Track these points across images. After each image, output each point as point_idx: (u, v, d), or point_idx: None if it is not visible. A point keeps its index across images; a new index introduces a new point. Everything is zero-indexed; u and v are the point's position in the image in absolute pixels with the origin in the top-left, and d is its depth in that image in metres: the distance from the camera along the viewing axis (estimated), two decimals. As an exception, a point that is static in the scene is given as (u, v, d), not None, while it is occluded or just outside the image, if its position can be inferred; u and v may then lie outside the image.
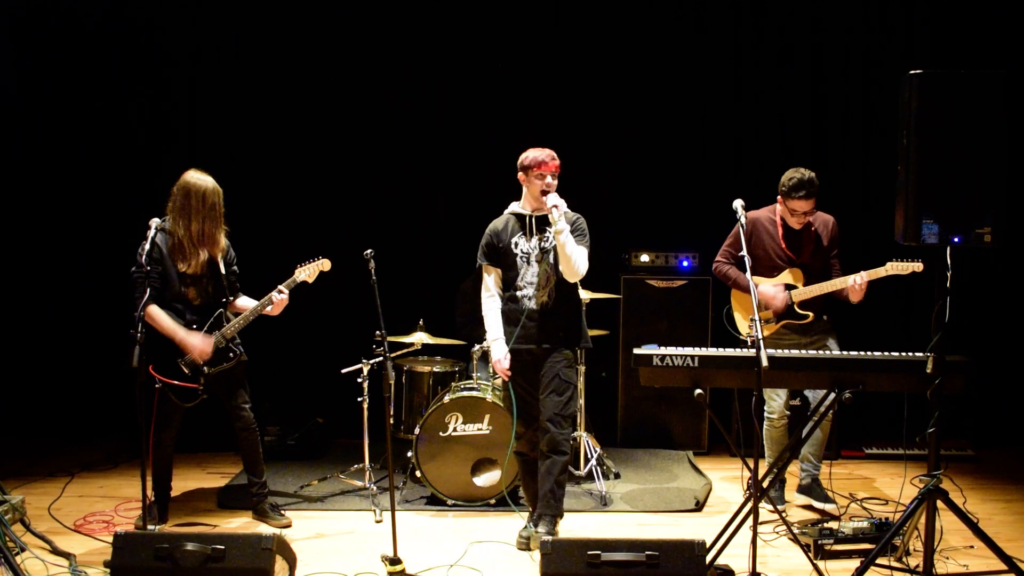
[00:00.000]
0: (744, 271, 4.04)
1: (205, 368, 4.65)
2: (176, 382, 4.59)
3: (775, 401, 5.10)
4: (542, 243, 4.45)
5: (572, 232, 4.37)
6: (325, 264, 4.86)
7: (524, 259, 4.48)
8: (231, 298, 4.84)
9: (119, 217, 6.46)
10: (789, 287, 4.95)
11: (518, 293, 4.47)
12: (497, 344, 4.48)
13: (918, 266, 4.60)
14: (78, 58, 6.51)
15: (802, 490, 5.11)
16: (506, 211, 4.61)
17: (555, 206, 4.29)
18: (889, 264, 4.66)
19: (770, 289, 4.96)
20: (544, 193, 4.36)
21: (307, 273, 4.81)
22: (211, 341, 4.64)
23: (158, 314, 4.55)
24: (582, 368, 5.35)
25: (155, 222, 4.39)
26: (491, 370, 5.35)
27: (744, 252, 4.04)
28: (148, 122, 6.59)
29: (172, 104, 6.58)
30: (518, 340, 4.43)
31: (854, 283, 4.70)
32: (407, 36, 6.64)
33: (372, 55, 6.65)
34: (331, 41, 6.64)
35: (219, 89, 6.58)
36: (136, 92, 6.55)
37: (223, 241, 4.77)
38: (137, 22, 6.50)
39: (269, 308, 4.72)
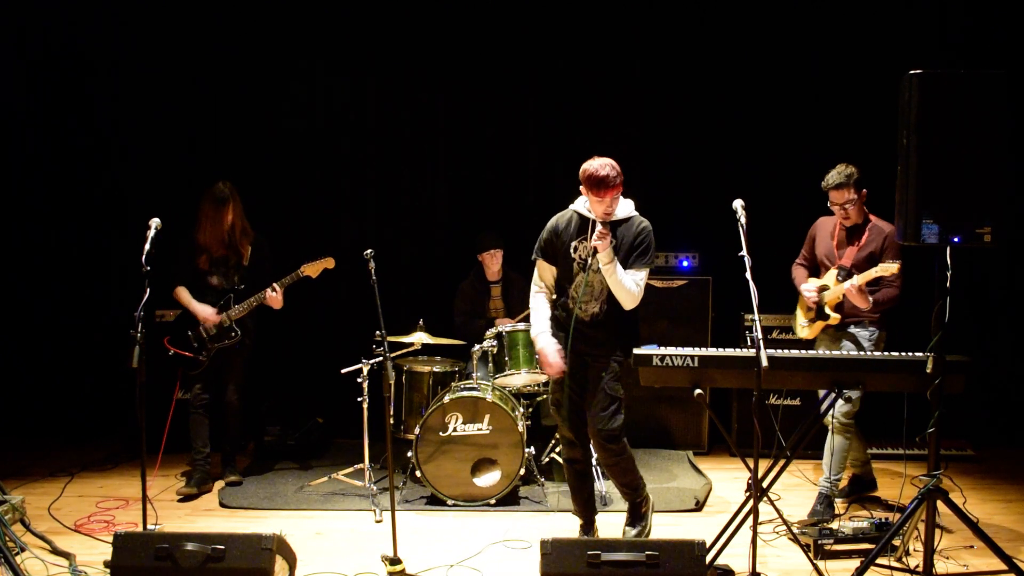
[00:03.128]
0: (745, 271, 4.02)
1: (209, 343, 5.33)
2: (184, 352, 5.31)
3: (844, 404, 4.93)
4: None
5: (634, 249, 4.18)
6: (330, 262, 5.29)
7: (579, 266, 4.25)
8: (245, 286, 5.38)
9: (119, 217, 6.47)
10: (823, 288, 4.97)
11: (570, 302, 4.27)
12: (543, 336, 4.29)
13: (895, 267, 4.59)
14: (85, 57, 6.52)
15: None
16: (572, 206, 4.35)
17: (596, 248, 4.09)
18: (879, 266, 4.65)
19: (808, 287, 5.02)
20: (606, 215, 4.14)
21: (311, 269, 5.29)
22: (217, 316, 5.32)
23: (182, 292, 5.37)
24: None
25: (155, 222, 4.40)
26: (491, 369, 5.36)
27: (744, 252, 4.04)
28: (149, 121, 6.59)
29: (173, 104, 6.59)
30: (573, 350, 4.24)
31: (850, 288, 4.70)
32: (406, 35, 6.64)
33: (372, 54, 6.65)
34: (330, 40, 6.64)
35: (219, 89, 6.57)
36: (139, 92, 6.56)
37: (234, 240, 5.33)
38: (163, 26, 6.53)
39: (265, 300, 5.31)
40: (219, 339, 5.37)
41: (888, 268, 4.59)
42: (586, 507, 4.51)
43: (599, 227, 4.12)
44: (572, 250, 4.27)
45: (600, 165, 4.11)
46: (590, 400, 4.30)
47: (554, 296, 4.40)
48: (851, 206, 4.84)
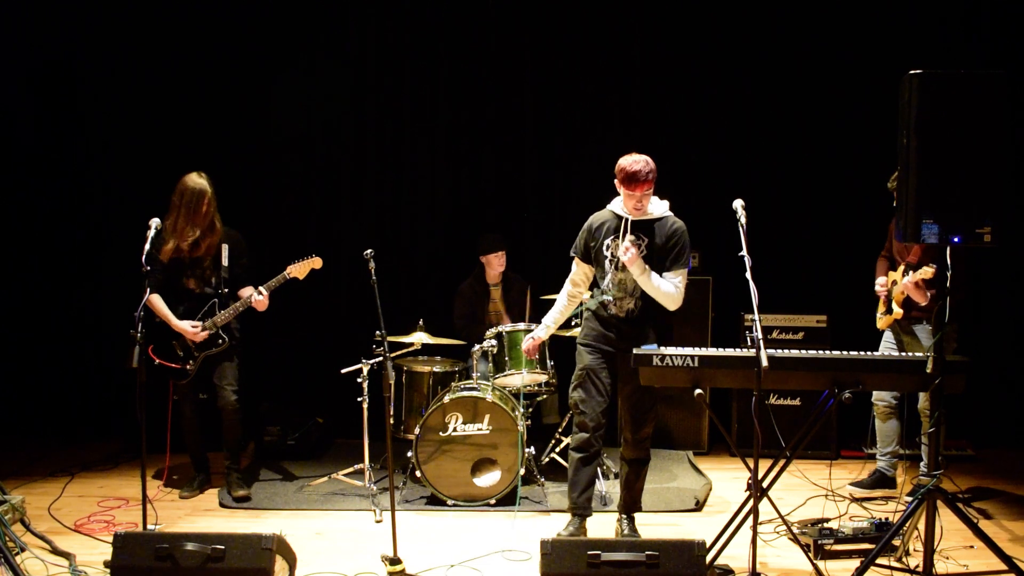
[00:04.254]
0: (745, 271, 4.02)
1: (196, 352, 5.13)
2: (169, 364, 5.11)
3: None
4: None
5: (669, 252, 4.27)
6: (316, 262, 5.16)
7: (612, 263, 4.32)
8: (228, 289, 5.18)
9: (119, 217, 6.47)
10: (894, 283, 5.10)
11: (604, 298, 4.36)
12: (542, 327, 4.63)
13: (930, 271, 4.65)
14: (82, 55, 6.53)
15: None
16: (608, 206, 4.43)
17: (628, 260, 4.18)
18: (923, 268, 4.72)
19: (881, 281, 5.17)
20: (636, 211, 4.25)
21: (297, 270, 5.14)
22: (199, 326, 5.08)
23: (156, 302, 5.05)
24: None
25: (155, 222, 4.41)
26: (490, 368, 5.35)
27: (744, 252, 4.04)
28: (148, 121, 6.58)
29: (170, 102, 6.58)
30: (601, 340, 4.37)
31: (907, 284, 4.86)
32: (406, 35, 6.63)
33: (372, 54, 6.65)
34: (329, 39, 6.64)
35: (217, 88, 6.57)
36: (136, 91, 6.56)
37: (195, 235, 5.04)
38: (147, 25, 6.51)
39: (252, 304, 5.11)
40: (206, 347, 5.15)
41: (925, 272, 4.68)
42: (583, 502, 4.48)
43: (627, 239, 4.23)
44: (605, 248, 4.34)
45: (633, 160, 4.21)
46: (624, 402, 4.41)
47: (589, 294, 4.47)
48: None
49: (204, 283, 5.15)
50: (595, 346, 4.40)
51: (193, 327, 5.07)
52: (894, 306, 5.07)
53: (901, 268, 5.02)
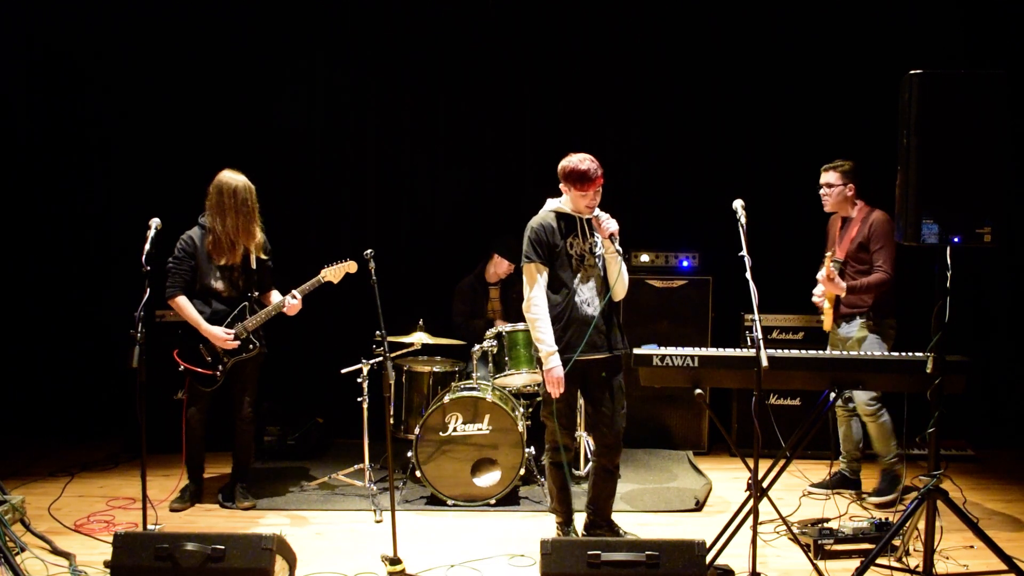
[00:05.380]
0: (745, 271, 4.03)
1: (225, 357, 4.94)
2: (197, 368, 4.91)
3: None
4: (594, 248, 4.28)
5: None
6: (352, 266, 5.06)
7: (579, 262, 4.26)
8: (257, 292, 5.05)
9: (121, 216, 6.47)
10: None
11: (576, 299, 4.23)
12: (555, 358, 4.18)
13: (827, 261, 4.84)
14: (84, 54, 6.53)
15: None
16: (546, 208, 4.35)
17: (613, 234, 4.17)
18: (826, 261, 4.90)
19: (819, 288, 5.17)
20: (590, 208, 4.22)
21: (332, 274, 5.04)
22: (232, 333, 4.91)
23: (185, 304, 4.89)
24: None
25: (155, 222, 4.40)
26: (491, 369, 5.35)
27: (744, 252, 4.05)
28: (148, 120, 6.58)
29: (171, 102, 6.58)
30: (587, 350, 4.20)
31: (823, 279, 4.92)
32: (407, 35, 6.63)
33: (372, 54, 6.65)
34: (330, 40, 6.64)
35: (218, 88, 6.57)
36: (138, 91, 6.56)
37: (259, 235, 5.00)
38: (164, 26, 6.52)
39: (284, 309, 4.99)
40: (236, 353, 4.95)
41: (827, 265, 4.80)
42: (569, 505, 4.50)
43: (598, 213, 4.22)
44: (569, 247, 4.28)
45: (580, 160, 4.20)
46: (600, 400, 4.30)
47: (555, 300, 4.28)
48: (827, 191, 5.09)
49: (233, 286, 4.97)
50: (573, 359, 4.18)
51: (227, 334, 4.89)
52: (826, 303, 5.06)
53: (828, 262, 5.02)
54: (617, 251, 4.22)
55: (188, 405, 5.03)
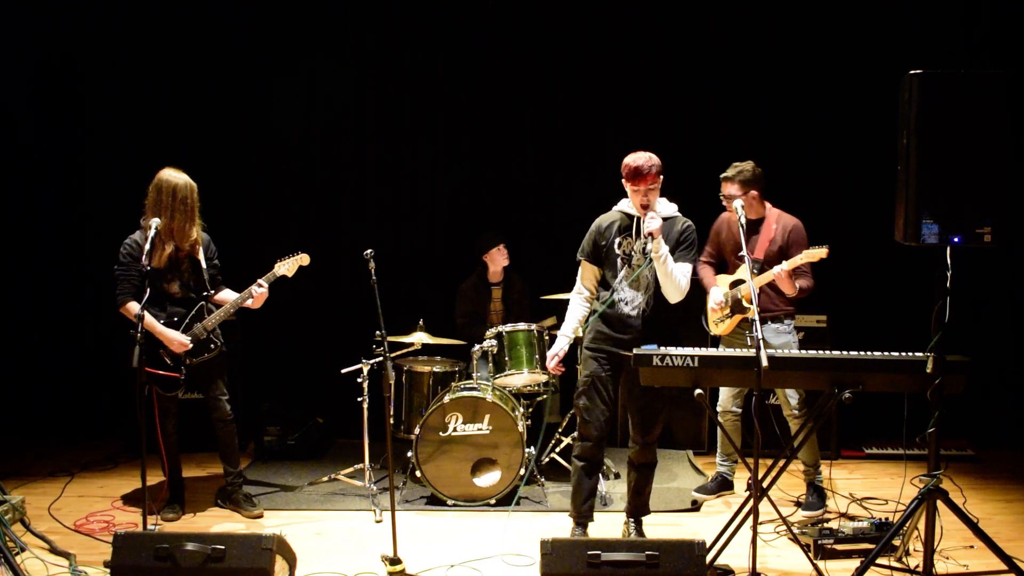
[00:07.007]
0: (744, 271, 4.04)
1: (187, 359, 4.79)
2: (159, 372, 4.74)
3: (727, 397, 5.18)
4: (645, 248, 4.22)
5: (680, 244, 4.26)
6: (304, 259, 4.98)
7: (624, 262, 4.29)
8: (212, 291, 4.93)
9: (120, 217, 6.45)
10: (737, 283, 5.01)
11: (616, 296, 4.27)
12: (561, 339, 4.39)
13: (824, 252, 4.63)
14: (79, 52, 6.54)
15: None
16: (615, 207, 4.40)
17: (651, 233, 4.12)
18: (804, 252, 4.71)
19: (714, 295, 5.06)
20: (644, 208, 4.18)
21: (286, 267, 4.94)
22: (186, 341, 4.75)
23: (136, 311, 4.43)
24: None
25: (155, 222, 4.41)
26: (491, 369, 5.35)
27: (744, 252, 4.06)
28: (146, 120, 6.58)
29: (170, 101, 6.58)
30: (616, 344, 4.27)
31: (779, 274, 4.75)
32: (407, 34, 6.63)
33: (372, 53, 6.65)
34: (330, 39, 6.64)
35: (217, 87, 6.57)
36: (135, 89, 6.55)
37: (194, 234, 4.81)
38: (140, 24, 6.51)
39: (249, 302, 4.85)
40: (197, 353, 4.80)
41: (816, 253, 4.64)
42: (586, 511, 4.46)
43: (649, 214, 4.17)
44: (616, 246, 4.30)
45: (637, 156, 4.21)
46: (637, 400, 4.31)
47: (598, 296, 4.38)
48: (729, 202, 4.90)
49: (186, 287, 4.83)
50: (604, 350, 4.31)
51: (182, 339, 4.73)
52: (745, 303, 4.90)
53: (745, 266, 4.93)
54: (657, 252, 4.13)
55: (160, 419, 4.83)
